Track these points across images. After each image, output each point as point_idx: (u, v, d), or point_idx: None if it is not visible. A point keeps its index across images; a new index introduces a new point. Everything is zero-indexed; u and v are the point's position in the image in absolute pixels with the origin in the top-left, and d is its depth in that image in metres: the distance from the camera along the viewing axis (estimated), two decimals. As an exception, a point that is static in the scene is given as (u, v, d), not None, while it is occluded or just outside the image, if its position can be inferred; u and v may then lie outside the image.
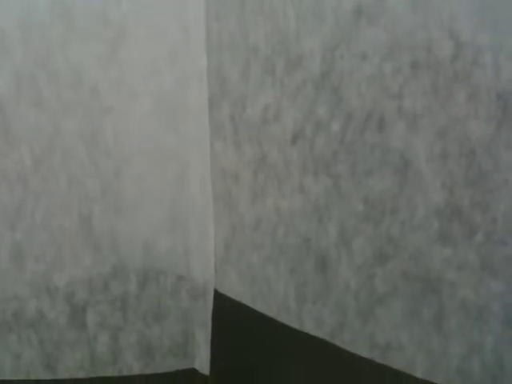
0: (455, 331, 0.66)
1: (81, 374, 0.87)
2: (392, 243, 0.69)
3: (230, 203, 0.84)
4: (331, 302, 0.74)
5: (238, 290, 0.84)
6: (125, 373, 0.87)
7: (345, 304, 0.73)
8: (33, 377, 0.86)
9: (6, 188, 0.82)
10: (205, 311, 0.88)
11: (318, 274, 0.75)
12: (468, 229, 0.65)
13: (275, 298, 0.79)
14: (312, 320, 0.75)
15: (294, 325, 0.77)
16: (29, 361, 0.86)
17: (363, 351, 0.72)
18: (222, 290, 0.87)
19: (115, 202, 0.83)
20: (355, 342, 0.72)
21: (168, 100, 0.81)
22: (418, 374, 0.68)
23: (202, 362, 0.89)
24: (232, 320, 0.86)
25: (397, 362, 0.69)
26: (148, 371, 0.88)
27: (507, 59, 0.64)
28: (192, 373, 0.89)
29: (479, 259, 0.64)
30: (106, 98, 0.80)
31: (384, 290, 0.70)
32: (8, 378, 0.86)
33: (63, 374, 0.86)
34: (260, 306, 0.81)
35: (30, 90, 0.79)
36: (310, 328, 0.76)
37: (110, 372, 0.87)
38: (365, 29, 0.69)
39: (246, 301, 0.82)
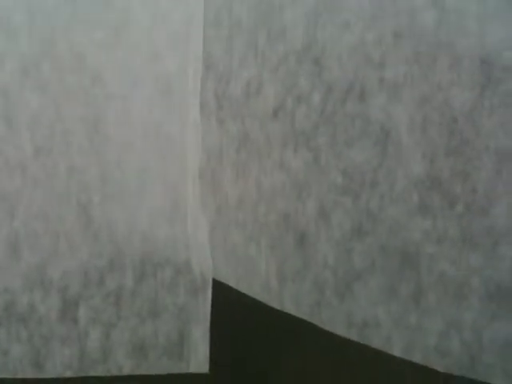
0: (433, 307, 0.63)
1: (68, 374, 0.83)
2: (371, 217, 0.67)
3: (214, 183, 0.82)
4: (310, 279, 0.71)
5: (224, 273, 0.81)
6: (114, 372, 0.83)
7: (323, 281, 0.70)
8: (20, 375, 0.83)
9: (5, 175, 0.80)
10: (203, 306, 0.84)
11: (298, 251, 0.72)
12: (448, 200, 0.62)
13: (257, 277, 0.77)
14: (292, 299, 0.73)
15: (275, 305, 0.74)
16: (17, 358, 0.82)
17: (341, 330, 0.69)
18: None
19: (115, 190, 0.80)
20: (333, 320, 0.69)
21: (170, 85, 0.79)
22: (396, 353, 0.65)
23: (199, 361, 0.85)
24: (223, 306, 0.84)
25: (374, 341, 0.66)
26: (139, 372, 0.83)
27: (491, 25, 0.62)
28: (187, 376, 0.86)
29: (459, 231, 0.62)
30: (109, 84, 0.79)
31: (362, 265, 0.67)
32: None
33: (51, 373, 0.83)
34: (243, 287, 0.78)
35: (33, 75, 0.78)
36: (289, 308, 0.73)
37: (99, 371, 0.83)
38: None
39: (232, 283, 0.80)
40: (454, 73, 0.63)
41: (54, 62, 0.78)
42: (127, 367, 0.82)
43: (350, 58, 0.69)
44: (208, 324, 0.83)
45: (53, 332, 0.81)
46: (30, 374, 0.82)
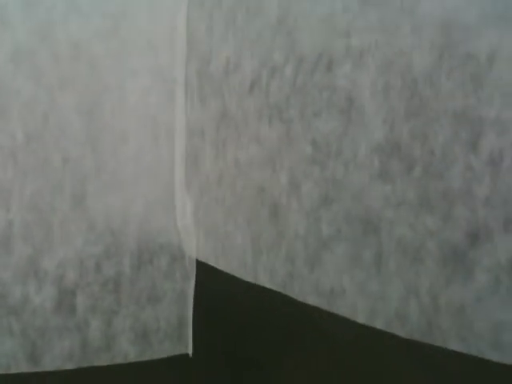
0: (393, 273, 0.62)
1: (69, 365, 0.81)
2: (336, 185, 0.66)
3: (197, 163, 0.82)
4: (283, 251, 0.71)
5: (205, 252, 0.82)
6: (119, 360, 0.82)
7: (294, 253, 0.70)
8: (13, 370, 0.80)
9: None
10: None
11: (272, 224, 0.72)
12: (406, 164, 0.62)
13: (234, 253, 0.77)
14: (265, 272, 0.73)
15: (250, 278, 0.74)
16: (9, 352, 0.80)
17: (312, 299, 0.68)
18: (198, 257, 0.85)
19: (111, 180, 0.80)
20: (304, 290, 0.69)
21: (164, 76, 0.81)
22: (361, 320, 0.64)
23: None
24: (207, 285, 0.85)
25: (341, 309, 0.66)
26: (144, 358, 0.82)
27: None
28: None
29: (416, 195, 0.61)
30: (105, 74, 0.79)
31: (329, 233, 0.67)
32: None
33: (49, 366, 0.80)
34: (222, 264, 0.78)
35: (28, 63, 0.78)
36: (263, 281, 0.74)
37: (103, 360, 0.81)
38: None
39: (212, 261, 0.81)
40: (416, 37, 0.62)
41: (49, 51, 0.78)
42: (132, 354, 0.82)
43: (319, 29, 0.69)
44: (191, 308, 0.83)
45: (49, 323, 0.80)
46: (24, 368, 0.80)
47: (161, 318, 0.82)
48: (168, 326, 0.82)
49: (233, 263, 0.77)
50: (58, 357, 0.79)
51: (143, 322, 0.81)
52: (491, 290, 0.57)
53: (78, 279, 0.80)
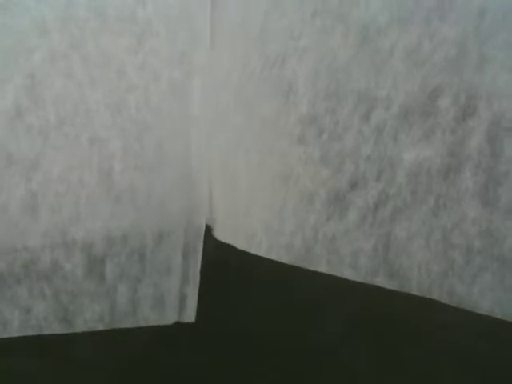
0: (291, 214, 0.76)
1: (100, 326, 0.84)
2: (267, 149, 0.82)
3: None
4: None
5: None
6: (142, 324, 0.86)
7: None
8: (46, 331, 0.83)
9: (25, 141, 0.83)
10: (195, 265, 0.89)
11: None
12: (318, 131, 0.77)
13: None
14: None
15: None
16: (41, 315, 0.83)
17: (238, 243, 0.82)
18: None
19: (135, 161, 0.86)
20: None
21: (179, 86, 0.89)
22: (261, 253, 0.78)
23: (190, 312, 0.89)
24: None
25: (245, 245, 0.79)
26: (160, 323, 0.87)
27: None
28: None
29: (320, 154, 0.76)
30: (131, 77, 0.87)
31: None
32: (16, 334, 0.83)
33: (81, 327, 0.84)
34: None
35: (61, 65, 0.85)
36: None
37: (128, 323, 0.85)
38: None
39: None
40: (344, 38, 0.79)
41: (81, 57, 0.86)
42: (152, 319, 0.86)
43: (278, 34, 0.86)
44: (198, 280, 0.89)
45: (80, 288, 0.83)
46: (57, 329, 0.83)
47: (173, 288, 0.87)
48: (175, 297, 0.87)
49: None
50: (89, 319, 0.84)
51: (161, 291, 0.87)
52: (357, 224, 0.71)
53: (106, 248, 0.84)
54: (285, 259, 0.75)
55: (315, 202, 0.74)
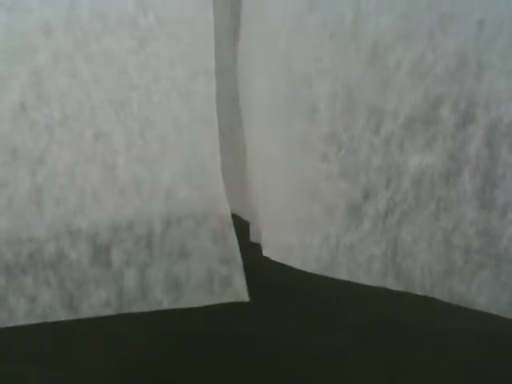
0: (317, 227, 0.82)
1: (108, 312, 0.86)
2: (290, 165, 0.88)
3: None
4: None
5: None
6: (154, 308, 0.87)
7: None
8: (51, 319, 0.84)
9: (30, 136, 0.85)
10: (230, 248, 0.91)
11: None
12: (337, 147, 0.82)
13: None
14: None
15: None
16: (46, 303, 0.84)
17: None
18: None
19: (139, 155, 0.89)
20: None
21: (181, 86, 0.93)
22: (297, 266, 0.83)
23: (237, 291, 0.91)
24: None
25: (283, 258, 0.85)
26: (178, 305, 0.88)
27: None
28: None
29: (339, 168, 0.81)
30: (133, 77, 0.90)
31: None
32: (22, 323, 0.84)
33: (87, 314, 0.86)
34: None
35: (65, 64, 0.87)
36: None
37: (140, 308, 0.87)
38: None
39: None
40: (357, 56, 0.84)
41: (85, 57, 0.88)
42: (166, 302, 0.88)
43: (302, 55, 0.92)
44: (239, 261, 0.90)
45: (86, 275, 0.85)
46: (62, 316, 0.85)
47: (191, 271, 0.89)
48: (199, 279, 0.89)
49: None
50: (95, 305, 0.86)
51: (175, 275, 0.88)
52: (369, 232, 0.75)
53: (111, 236, 0.87)
54: (315, 270, 0.80)
55: (336, 215, 0.79)
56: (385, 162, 0.76)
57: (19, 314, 0.83)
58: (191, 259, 0.89)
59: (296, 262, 0.84)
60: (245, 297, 0.88)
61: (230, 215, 0.91)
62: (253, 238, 0.94)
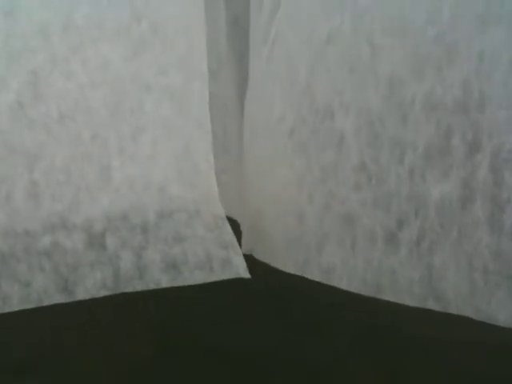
0: (360, 251, 0.92)
1: (103, 293, 0.87)
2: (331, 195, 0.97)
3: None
4: None
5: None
6: (152, 286, 0.89)
7: None
8: (46, 303, 0.85)
9: (28, 134, 0.88)
10: (226, 236, 0.96)
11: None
12: (367, 177, 0.91)
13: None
14: None
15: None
16: (41, 287, 0.85)
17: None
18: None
19: (132, 157, 0.92)
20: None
21: (175, 94, 0.99)
22: (343, 286, 0.93)
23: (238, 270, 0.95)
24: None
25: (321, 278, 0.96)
26: (176, 283, 0.90)
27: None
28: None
29: (372, 198, 0.90)
30: (127, 83, 0.94)
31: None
32: (16, 308, 0.84)
33: (82, 296, 0.86)
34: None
35: (62, 66, 0.90)
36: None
37: (137, 287, 0.88)
38: None
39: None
40: (375, 91, 0.92)
41: (81, 60, 0.92)
42: (164, 281, 0.90)
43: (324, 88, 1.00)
44: (237, 246, 0.97)
45: (80, 260, 0.87)
46: (57, 299, 0.85)
47: (188, 253, 0.92)
48: (196, 260, 0.92)
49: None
50: (91, 287, 0.87)
51: (172, 256, 0.91)
52: (407, 258, 0.85)
53: (106, 226, 0.89)
54: (363, 291, 0.90)
55: (377, 240, 0.89)
56: (412, 191, 0.85)
57: (14, 299, 0.84)
58: (187, 243, 0.92)
59: (340, 282, 0.93)
60: (245, 274, 0.94)
61: (223, 212, 0.98)
62: (244, 250, 0.99)
